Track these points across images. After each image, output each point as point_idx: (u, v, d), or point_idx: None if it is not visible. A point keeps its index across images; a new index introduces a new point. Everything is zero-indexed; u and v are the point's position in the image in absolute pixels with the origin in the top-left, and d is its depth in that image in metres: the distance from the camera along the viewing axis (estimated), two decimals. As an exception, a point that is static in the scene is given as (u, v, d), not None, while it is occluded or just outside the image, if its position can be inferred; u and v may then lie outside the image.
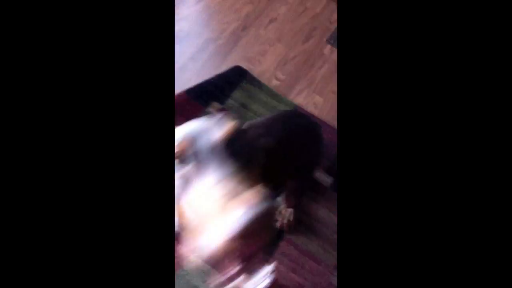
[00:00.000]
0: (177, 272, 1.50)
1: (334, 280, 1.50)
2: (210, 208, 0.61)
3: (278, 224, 1.57)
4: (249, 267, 0.94)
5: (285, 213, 1.56)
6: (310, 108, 1.80)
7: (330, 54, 1.94)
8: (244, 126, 1.18)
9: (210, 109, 1.76)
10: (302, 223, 1.59)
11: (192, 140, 0.66)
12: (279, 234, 1.56)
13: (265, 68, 1.88)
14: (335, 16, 2.02)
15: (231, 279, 0.96)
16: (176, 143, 0.67)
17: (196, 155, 0.65)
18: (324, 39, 1.97)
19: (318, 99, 1.82)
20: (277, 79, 1.86)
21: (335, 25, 2.00)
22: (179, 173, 0.67)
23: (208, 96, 1.79)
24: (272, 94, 1.82)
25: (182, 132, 0.69)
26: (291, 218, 1.57)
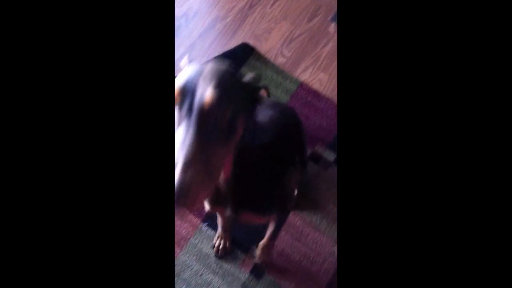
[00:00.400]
0: (190, 240, 1.60)
1: (336, 250, 1.60)
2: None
3: None
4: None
5: None
6: (315, 85, 1.86)
7: (335, 32, 1.98)
8: None
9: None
10: (306, 197, 1.68)
11: (185, 91, 0.69)
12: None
13: (272, 45, 1.94)
14: (339, -6, 2.06)
15: None
16: (176, 85, 0.70)
17: (181, 106, 0.69)
18: (329, 18, 2.01)
19: (323, 76, 1.88)
20: (283, 56, 1.92)
21: (340, 3, 2.04)
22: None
23: (216, 73, 1.85)
24: (278, 71, 1.88)
25: (186, 75, 0.71)
26: (295, 193, 1.65)
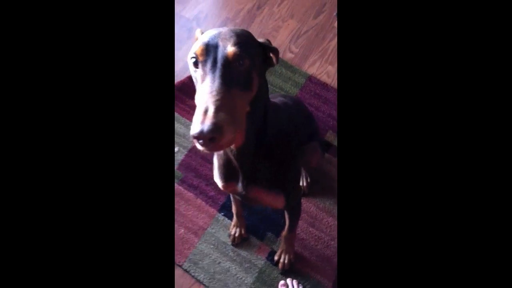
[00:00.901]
0: (207, 229, 1.65)
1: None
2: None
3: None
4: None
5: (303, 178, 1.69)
6: (323, 77, 1.91)
7: (341, 27, 2.04)
8: None
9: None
10: (319, 183, 1.71)
11: (208, 49, 0.77)
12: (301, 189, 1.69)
13: (280, 42, 2.00)
14: (344, -9, 2.12)
15: None
16: (197, 46, 0.78)
17: (205, 63, 0.77)
18: (334, 14, 2.07)
19: (331, 68, 1.94)
20: (291, 52, 1.98)
21: None
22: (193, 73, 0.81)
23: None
24: (287, 66, 1.94)
25: (206, 37, 0.79)
26: (308, 180, 1.69)
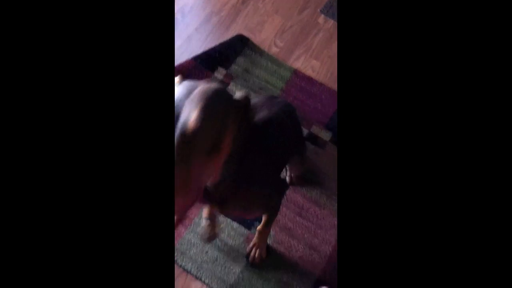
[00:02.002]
0: (194, 220, 1.64)
1: (336, 222, 1.64)
2: None
3: (287, 180, 1.71)
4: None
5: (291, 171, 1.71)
6: (309, 71, 1.94)
7: (324, 23, 2.08)
8: None
9: (216, 74, 1.90)
10: (306, 174, 1.73)
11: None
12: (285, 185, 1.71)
13: (265, 37, 2.02)
14: (327, -11, 2.17)
15: None
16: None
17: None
18: (318, 10, 2.11)
19: (315, 63, 1.97)
20: (276, 46, 2.01)
21: (328, -3, 2.15)
22: None
23: (214, 62, 1.93)
24: (272, 59, 1.97)
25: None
26: (298, 173, 1.71)
